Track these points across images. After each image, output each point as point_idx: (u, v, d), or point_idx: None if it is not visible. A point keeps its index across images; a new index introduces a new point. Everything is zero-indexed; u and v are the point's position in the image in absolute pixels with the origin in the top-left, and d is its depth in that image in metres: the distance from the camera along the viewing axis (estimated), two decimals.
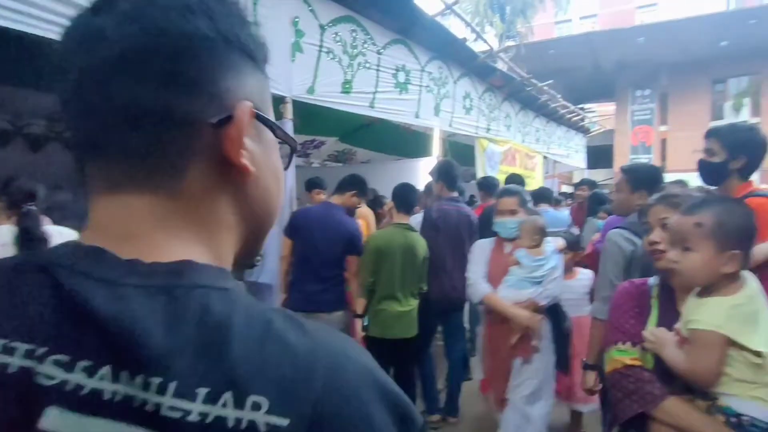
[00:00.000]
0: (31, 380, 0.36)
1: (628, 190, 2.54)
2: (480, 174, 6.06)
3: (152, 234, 0.43)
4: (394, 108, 4.31)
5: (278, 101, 3.33)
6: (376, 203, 4.96)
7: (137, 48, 0.41)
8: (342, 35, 3.66)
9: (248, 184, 0.46)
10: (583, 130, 10.88)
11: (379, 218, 4.78)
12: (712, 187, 2.27)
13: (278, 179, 0.51)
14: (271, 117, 0.49)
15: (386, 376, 0.43)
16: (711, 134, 2.23)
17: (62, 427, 0.35)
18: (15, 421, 0.36)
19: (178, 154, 0.43)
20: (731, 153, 2.11)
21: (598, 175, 24.77)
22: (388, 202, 4.07)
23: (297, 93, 3.37)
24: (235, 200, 0.47)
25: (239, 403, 0.36)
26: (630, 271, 2.12)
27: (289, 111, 3.32)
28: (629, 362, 1.33)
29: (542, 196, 5.10)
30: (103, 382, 0.36)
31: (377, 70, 4.05)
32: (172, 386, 0.35)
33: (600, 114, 28.76)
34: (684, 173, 21.92)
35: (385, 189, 4.82)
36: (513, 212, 2.79)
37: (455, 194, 3.70)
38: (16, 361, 0.37)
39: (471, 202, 5.61)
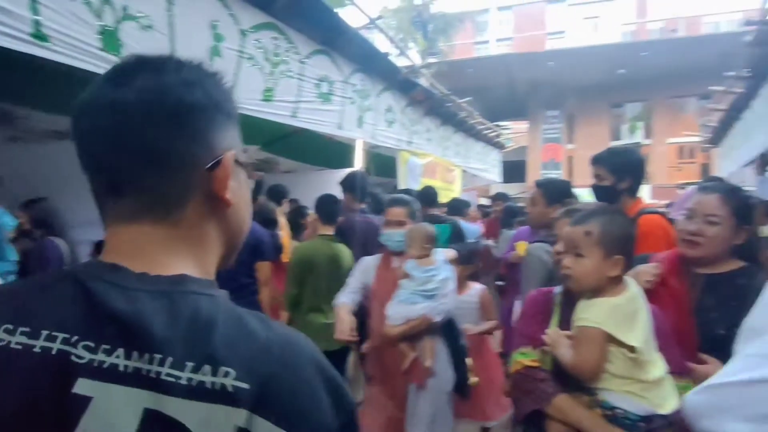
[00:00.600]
0: (68, 359, 0.52)
1: (543, 203, 2.66)
2: (402, 185, 6.20)
3: (157, 253, 0.59)
4: (317, 118, 4.29)
5: None
6: (297, 214, 4.91)
7: (154, 112, 0.57)
8: (264, 42, 3.60)
9: (229, 213, 0.64)
10: (499, 146, 11.47)
11: (301, 229, 4.74)
12: None
13: (248, 207, 0.69)
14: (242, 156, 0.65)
15: (327, 362, 0.59)
16: (596, 161, 2.43)
17: (90, 391, 0.50)
18: (57, 387, 0.51)
19: (183, 191, 0.60)
20: (617, 176, 2.34)
21: (513, 189, 26.22)
22: (311, 213, 4.00)
23: None
24: (219, 225, 0.64)
25: (214, 372, 0.51)
26: (552, 282, 2.25)
27: None
28: (528, 364, 1.42)
29: (455, 208, 5.27)
30: (119, 359, 0.51)
31: (300, 79, 4.01)
32: (169, 360, 0.51)
33: (514, 131, 30.55)
34: (588, 188, 23.62)
35: (308, 200, 4.78)
36: (401, 223, 2.58)
37: (363, 206, 3.71)
38: (56, 346, 0.52)
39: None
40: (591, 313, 1.32)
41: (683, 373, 1.39)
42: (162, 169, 0.58)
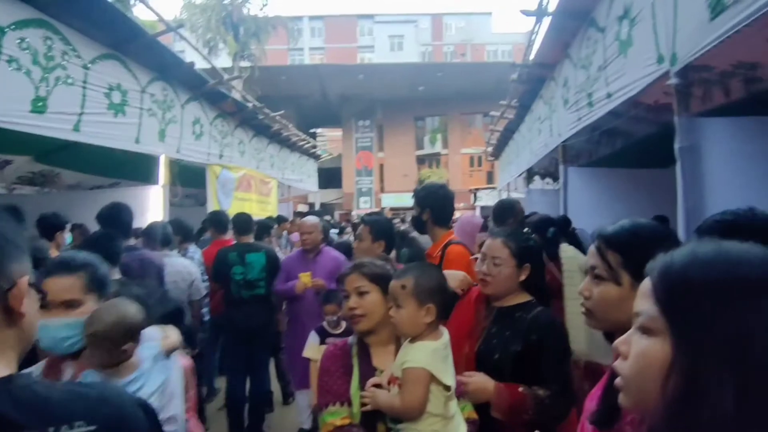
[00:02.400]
0: None
1: (370, 239, 2.77)
2: (211, 202, 5.83)
3: None
4: (107, 132, 3.75)
5: None
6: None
7: None
8: (31, 42, 3.00)
9: (23, 321, 0.79)
10: (315, 156, 11.66)
11: None
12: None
13: (37, 316, 0.85)
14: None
15: (136, 411, 0.84)
16: (413, 194, 2.75)
17: None
18: None
19: None
20: (421, 208, 2.62)
21: (329, 195, 27.07)
22: None
23: None
24: (16, 331, 0.79)
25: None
26: None
27: None
28: (339, 423, 1.45)
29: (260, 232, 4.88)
30: None
31: (84, 87, 3.47)
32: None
33: (330, 139, 31.55)
34: (398, 193, 25.46)
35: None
36: (70, 305, 1.49)
37: (131, 242, 3.29)
38: None
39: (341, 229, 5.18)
40: (415, 356, 1.43)
41: (459, 395, 1.59)
42: None
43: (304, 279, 3.66)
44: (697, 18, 1.87)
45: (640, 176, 4.31)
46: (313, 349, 2.97)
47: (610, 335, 1.09)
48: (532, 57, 4.75)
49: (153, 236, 3.65)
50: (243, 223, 4.27)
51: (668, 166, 2.18)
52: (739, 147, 1.96)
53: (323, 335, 3.05)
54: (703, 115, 2.47)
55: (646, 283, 0.64)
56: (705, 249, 0.61)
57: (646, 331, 0.62)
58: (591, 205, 4.23)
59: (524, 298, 1.83)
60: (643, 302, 0.63)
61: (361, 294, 1.61)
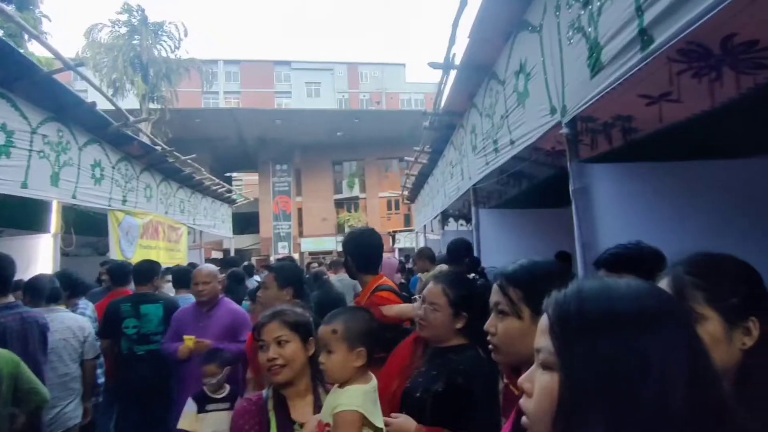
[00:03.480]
0: None
1: (276, 287, 2.65)
2: (114, 250, 5.40)
3: None
4: None
5: None
6: None
7: None
8: None
9: None
10: (230, 201, 11.29)
11: None
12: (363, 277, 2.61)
13: None
14: None
15: None
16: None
17: None
18: None
19: None
20: (350, 255, 2.60)
21: (246, 241, 26.18)
22: None
23: None
24: None
25: None
26: None
27: None
28: None
29: (180, 281, 4.48)
30: None
31: None
32: None
33: (247, 183, 30.82)
34: (317, 237, 25.29)
35: None
36: None
37: (11, 299, 2.82)
38: None
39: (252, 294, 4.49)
40: (347, 400, 1.43)
41: None
42: None
43: (188, 342, 3.18)
44: (580, 75, 2.09)
45: (544, 216, 4.63)
46: (189, 419, 2.61)
47: (518, 370, 1.13)
48: (442, 105, 5.03)
49: (37, 291, 3.26)
50: (144, 271, 3.90)
51: (566, 206, 2.36)
52: (623, 189, 2.18)
53: (202, 402, 2.71)
54: (591, 161, 2.73)
55: (544, 320, 0.66)
56: (589, 285, 0.64)
57: (546, 367, 0.63)
58: (502, 245, 4.45)
59: (460, 341, 1.83)
60: (542, 338, 0.65)
61: (281, 343, 1.56)
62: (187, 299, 4.19)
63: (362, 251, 2.61)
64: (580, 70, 2.07)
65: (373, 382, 1.52)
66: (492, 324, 1.16)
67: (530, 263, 1.16)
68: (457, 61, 3.86)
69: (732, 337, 0.94)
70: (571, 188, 2.22)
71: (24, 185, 3.79)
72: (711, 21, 1.34)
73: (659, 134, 2.85)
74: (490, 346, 1.16)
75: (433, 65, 4.07)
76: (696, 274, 0.98)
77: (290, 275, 2.73)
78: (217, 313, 3.41)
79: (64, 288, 3.61)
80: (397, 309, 2.20)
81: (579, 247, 2.16)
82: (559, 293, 0.65)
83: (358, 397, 1.43)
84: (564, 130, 2.31)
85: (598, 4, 1.85)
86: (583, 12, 2.00)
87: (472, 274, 2.10)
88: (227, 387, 2.84)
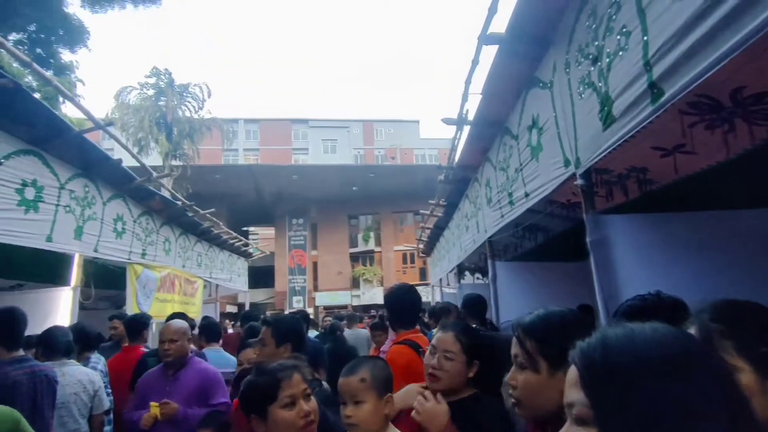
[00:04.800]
0: None
1: (273, 344, 2.44)
2: (131, 303, 5.43)
3: None
4: (14, 230, 3.49)
5: None
6: None
7: None
8: None
9: None
10: (246, 255, 11.37)
11: None
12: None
13: None
14: None
15: None
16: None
17: None
18: None
19: None
20: (387, 308, 2.77)
21: (261, 295, 26.13)
22: None
23: None
24: None
25: None
26: None
27: None
28: None
29: (212, 333, 4.73)
30: None
31: None
32: None
33: (263, 237, 31.17)
34: (331, 291, 25.13)
35: None
36: None
37: (21, 353, 2.82)
38: None
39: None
40: None
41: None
42: None
43: (153, 410, 2.88)
44: (592, 128, 2.13)
45: (563, 268, 4.56)
46: None
47: (542, 425, 1.09)
48: (456, 160, 5.11)
49: (51, 344, 3.26)
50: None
51: (584, 259, 2.33)
52: (641, 239, 2.15)
53: None
54: (608, 212, 2.72)
55: (573, 372, 0.63)
56: (612, 332, 0.62)
57: (581, 422, 0.60)
58: (519, 298, 4.37)
59: (468, 391, 1.79)
60: (573, 391, 0.62)
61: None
62: (217, 352, 4.23)
63: (400, 306, 2.71)
64: (592, 123, 2.11)
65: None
66: (513, 377, 1.12)
67: (546, 313, 1.13)
68: (471, 117, 3.97)
69: (765, 389, 0.89)
70: (588, 239, 2.21)
71: (49, 239, 3.89)
72: (718, 74, 1.37)
73: (676, 185, 2.85)
74: (512, 401, 1.12)
75: (447, 121, 4.19)
76: (722, 322, 0.94)
77: (288, 330, 2.51)
78: (185, 375, 3.09)
79: (77, 341, 3.62)
80: (400, 398, 2.02)
81: (600, 300, 2.11)
82: (584, 342, 0.63)
83: None
84: (579, 182, 2.33)
85: (608, 60, 1.91)
86: (592, 68, 2.06)
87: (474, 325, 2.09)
88: None
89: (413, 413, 1.64)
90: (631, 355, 0.57)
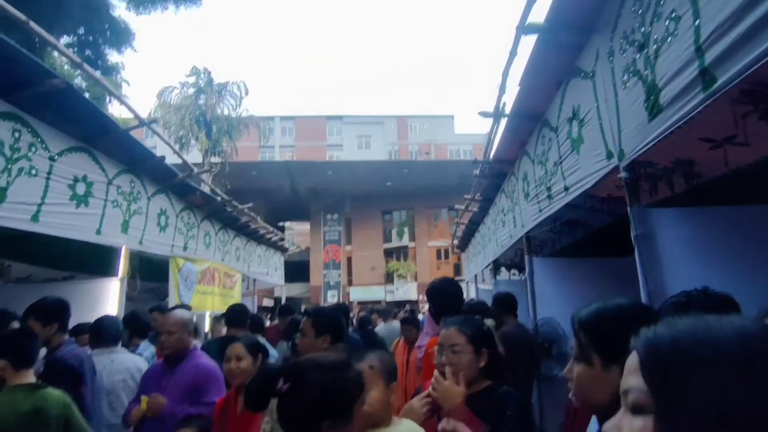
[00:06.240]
0: None
1: (313, 334, 2.47)
2: (173, 295, 5.62)
3: None
4: (67, 223, 3.67)
5: None
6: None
7: None
8: None
9: None
10: (282, 249, 11.57)
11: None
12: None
13: None
14: None
15: None
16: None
17: None
18: None
19: None
20: (430, 301, 2.85)
21: (296, 289, 26.55)
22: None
23: None
24: None
25: None
26: None
27: None
28: None
29: (257, 326, 4.89)
30: None
31: (47, 178, 3.43)
32: None
33: (298, 232, 31.64)
34: (365, 286, 25.18)
35: None
36: None
37: (66, 337, 3.12)
38: None
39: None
40: None
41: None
42: None
43: (143, 404, 2.74)
44: (637, 118, 2.05)
45: (603, 265, 4.43)
46: None
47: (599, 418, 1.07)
48: (492, 154, 5.04)
49: (101, 332, 3.43)
50: (237, 314, 4.19)
51: (627, 255, 2.26)
52: (688, 234, 2.06)
53: None
54: (652, 207, 2.63)
55: (633, 358, 0.60)
56: (683, 322, 0.58)
57: (637, 410, 0.57)
58: (557, 294, 4.27)
59: (483, 384, 1.79)
60: (631, 378, 0.59)
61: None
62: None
63: (443, 299, 2.78)
64: (637, 114, 2.04)
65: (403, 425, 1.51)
66: (569, 369, 1.11)
67: (602, 305, 1.09)
68: (508, 110, 3.90)
69: None
70: (633, 234, 2.14)
71: (98, 232, 4.07)
72: None
73: (725, 178, 2.72)
74: (571, 393, 1.11)
75: (484, 114, 4.13)
76: None
77: (328, 322, 2.54)
78: (182, 370, 2.92)
79: (129, 329, 3.79)
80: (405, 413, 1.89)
81: (645, 296, 2.05)
82: (649, 330, 0.59)
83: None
84: (622, 174, 2.26)
85: (655, 47, 1.84)
86: (638, 56, 1.99)
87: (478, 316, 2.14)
88: None
89: (430, 389, 1.66)
90: (707, 344, 0.54)
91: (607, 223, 4.10)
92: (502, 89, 3.73)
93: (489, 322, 4.18)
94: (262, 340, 4.63)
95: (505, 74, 3.52)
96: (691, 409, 0.52)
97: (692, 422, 0.51)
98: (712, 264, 1.91)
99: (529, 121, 3.80)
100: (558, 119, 3.21)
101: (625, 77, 2.13)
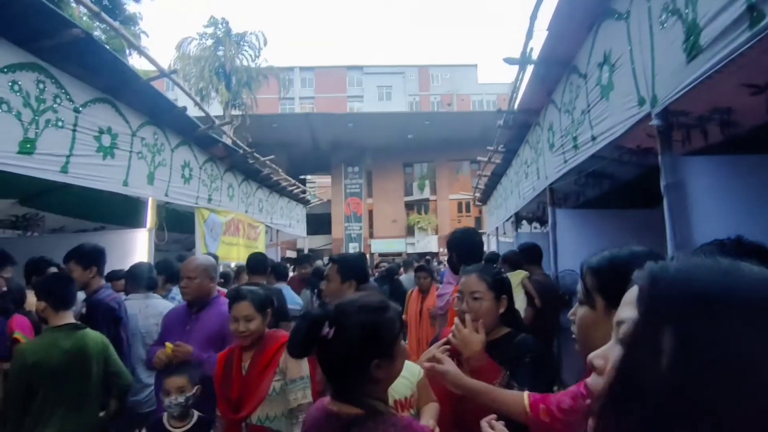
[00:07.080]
0: None
1: (338, 280, 2.54)
2: (200, 245, 5.76)
3: None
4: (95, 174, 3.74)
5: None
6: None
7: None
8: (23, 85, 3.03)
9: None
10: (304, 201, 11.68)
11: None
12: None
13: None
14: None
15: None
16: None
17: None
18: None
19: None
20: (452, 249, 2.92)
21: (318, 241, 26.98)
22: (38, 303, 2.68)
23: None
24: None
25: None
26: None
27: None
28: None
29: (280, 273, 5.04)
30: None
31: (73, 130, 3.48)
32: None
33: (320, 185, 31.82)
34: (387, 239, 25.42)
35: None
36: None
37: (103, 282, 3.36)
38: None
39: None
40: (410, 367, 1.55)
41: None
42: None
43: (168, 349, 2.69)
44: (674, 61, 1.94)
45: (628, 216, 4.36)
46: None
47: None
48: (517, 103, 4.89)
49: (137, 278, 3.59)
50: (256, 262, 4.34)
51: (653, 207, 2.21)
52: (721, 183, 2.00)
53: None
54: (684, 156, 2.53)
55: (633, 291, 0.56)
56: (698, 260, 0.54)
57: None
58: (580, 246, 4.24)
59: (503, 331, 1.82)
60: (627, 309, 0.55)
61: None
62: (285, 289, 4.61)
63: (465, 248, 2.84)
64: (674, 56, 1.93)
65: None
66: (573, 312, 1.12)
67: (613, 252, 1.08)
68: (535, 56, 3.75)
69: None
70: (662, 184, 2.08)
71: (125, 183, 4.15)
72: None
73: (763, 127, 2.60)
74: (573, 335, 1.12)
75: (509, 61, 3.98)
76: None
77: (353, 268, 2.60)
78: (205, 316, 2.92)
79: (162, 273, 3.96)
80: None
81: (671, 248, 2.01)
82: (656, 264, 0.55)
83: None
84: (654, 122, 2.17)
85: None
86: None
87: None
88: (195, 414, 2.38)
89: (449, 336, 1.69)
90: (719, 284, 0.49)
91: (635, 174, 4.00)
92: (529, 34, 3.57)
93: (523, 273, 4.22)
94: (286, 288, 4.78)
95: (533, 18, 3.36)
96: (699, 352, 0.47)
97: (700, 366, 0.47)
98: (746, 214, 1.85)
99: (557, 67, 3.65)
100: (587, 65, 3.08)
101: (663, 17, 2.00)
